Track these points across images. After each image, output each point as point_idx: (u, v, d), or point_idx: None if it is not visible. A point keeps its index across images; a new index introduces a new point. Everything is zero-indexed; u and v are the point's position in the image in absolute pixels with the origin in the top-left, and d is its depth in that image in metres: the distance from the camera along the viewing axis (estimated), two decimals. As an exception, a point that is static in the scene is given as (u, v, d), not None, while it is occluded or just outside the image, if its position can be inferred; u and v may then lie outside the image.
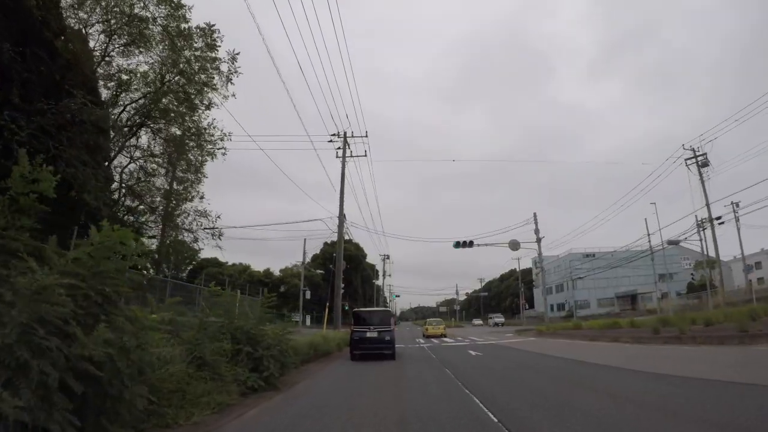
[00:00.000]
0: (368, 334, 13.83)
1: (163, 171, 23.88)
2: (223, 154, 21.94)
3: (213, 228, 22.13)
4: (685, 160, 35.28)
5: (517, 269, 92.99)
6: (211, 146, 20.31)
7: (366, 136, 26.59)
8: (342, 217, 23.45)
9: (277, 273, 60.70)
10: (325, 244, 68.36)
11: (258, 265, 65.30)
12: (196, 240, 23.24)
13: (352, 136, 26.61)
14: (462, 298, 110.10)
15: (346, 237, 51.99)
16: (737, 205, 38.88)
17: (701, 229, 36.65)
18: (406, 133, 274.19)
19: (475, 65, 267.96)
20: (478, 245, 25.86)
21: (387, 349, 13.69)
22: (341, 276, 23.87)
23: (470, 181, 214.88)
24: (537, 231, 27.40)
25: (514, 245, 26.49)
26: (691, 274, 42.10)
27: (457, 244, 25.31)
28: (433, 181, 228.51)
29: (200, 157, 21.45)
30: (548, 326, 25.96)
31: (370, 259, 72.06)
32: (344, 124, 25.59)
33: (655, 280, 45.75)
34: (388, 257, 66.66)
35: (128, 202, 24.54)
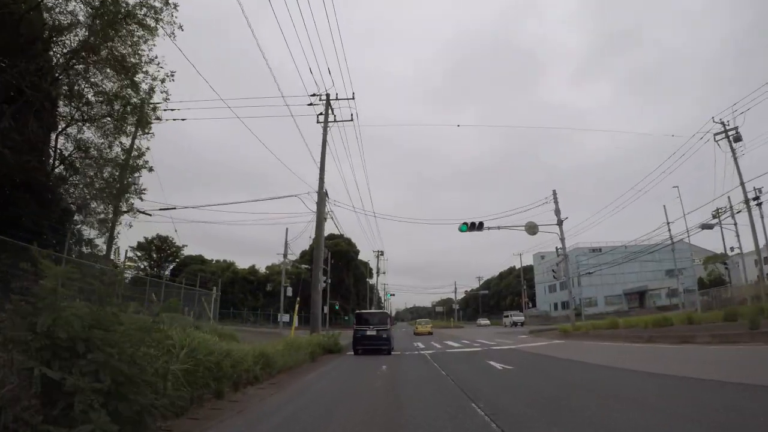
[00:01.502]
0: (368, 332, 15.09)
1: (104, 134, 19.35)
2: (166, 99, 17.39)
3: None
4: (714, 135, 30.63)
5: (518, 266, 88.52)
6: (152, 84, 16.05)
7: (353, 98, 21.85)
8: (322, 192, 18.62)
9: (263, 270, 55.66)
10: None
11: (244, 263, 60.24)
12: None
13: (336, 99, 21.86)
14: (460, 296, 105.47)
15: (337, 231, 47.16)
16: (760, 191, 34.56)
17: (734, 212, 32.21)
18: (401, 133, 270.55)
19: (467, 66, 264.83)
20: (489, 228, 21.17)
21: (384, 345, 14.90)
22: (321, 266, 19.10)
23: (468, 179, 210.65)
24: (558, 211, 22.70)
25: (531, 228, 21.83)
26: (724, 264, 37.10)
27: (465, 226, 20.59)
28: (429, 181, 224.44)
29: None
30: (575, 326, 21.26)
31: (363, 257, 67.20)
32: (326, 83, 21.08)
33: (677, 274, 41.16)
34: (382, 253, 61.97)
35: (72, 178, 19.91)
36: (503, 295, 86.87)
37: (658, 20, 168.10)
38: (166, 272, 66.45)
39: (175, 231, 21.20)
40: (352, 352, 16.44)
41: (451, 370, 9.74)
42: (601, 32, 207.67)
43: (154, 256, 67.31)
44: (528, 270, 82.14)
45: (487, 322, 62.34)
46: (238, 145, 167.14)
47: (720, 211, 36.17)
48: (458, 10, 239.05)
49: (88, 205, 20.51)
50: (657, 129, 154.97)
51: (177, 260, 65.88)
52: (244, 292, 52.41)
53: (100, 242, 20.96)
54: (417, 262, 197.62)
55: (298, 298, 16.37)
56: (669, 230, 40.42)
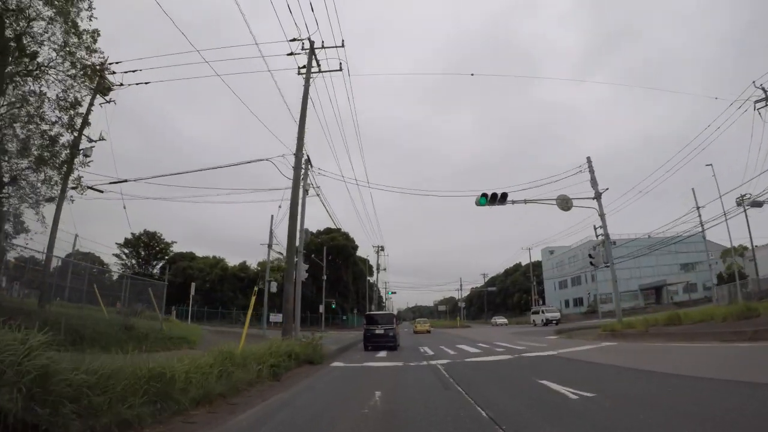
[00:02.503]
0: (377, 331, 17.08)
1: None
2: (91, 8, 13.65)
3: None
4: (755, 102, 26.10)
5: (524, 262, 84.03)
6: None
7: (342, 46, 17.58)
8: (301, 154, 14.31)
9: (254, 267, 51.32)
10: (311, 234, 58.88)
11: (236, 260, 55.78)
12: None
13: (323, 47, 17.61)
14: (466, 294, 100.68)
15: (333, 225, 42.82)
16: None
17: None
18: (402, 133, 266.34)
19: (462, 65, 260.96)
20: (513, 202, 16.74)
21: (390, 342, 16.84)
22: (301, 250, 14.87)
23: (468, 179, 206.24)
24: (594, 182, 18.34)
25: (564, 201, 17.50)
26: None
27: (485, 199, 16.20)
28: (429, 181, 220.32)
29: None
30: (623, 322, 16.87)
31: (364, 255, 62.72)
32: (311, 29, 16.49)
33: (709, 264, 36.67)
34: (382, 249, 57.51)
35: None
36: (510, 293, 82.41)
37: (657, 19, 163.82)
38: (155, 270, 62.37)
39: (124, 207, 17.07)
40: (339, 363, 12.26)
41: (493, 405, 5.39)
42: (599, 31, 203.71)
43: (142, 253, 63.20)
44: (536, 266, 77.68)
45: (505, 320, 55.14)
46: (238, 146, 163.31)
47: (744, 197, 31.78)
48: (457, 9, 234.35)
49: (24, 176, 16.49)
50: (657, 126, 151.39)
51: (166, 257, 61.83)
52: (234, 291, 48.14)
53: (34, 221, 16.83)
54: (417, 263, 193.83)
55: (256, 288, 12.11)
56: (699, 215, 35.46)
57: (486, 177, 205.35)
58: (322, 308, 42.45)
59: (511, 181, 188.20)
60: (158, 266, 62.88)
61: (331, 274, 53.24)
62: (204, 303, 47.51)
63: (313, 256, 50.66)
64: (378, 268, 57.12)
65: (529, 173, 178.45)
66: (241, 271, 49.58)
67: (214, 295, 47.65)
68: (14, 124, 15.34)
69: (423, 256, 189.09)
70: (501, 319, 55.45)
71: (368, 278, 67.21)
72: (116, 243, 64.28)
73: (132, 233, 64.68)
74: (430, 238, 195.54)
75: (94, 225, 78.25)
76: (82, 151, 17.80)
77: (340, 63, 17.40)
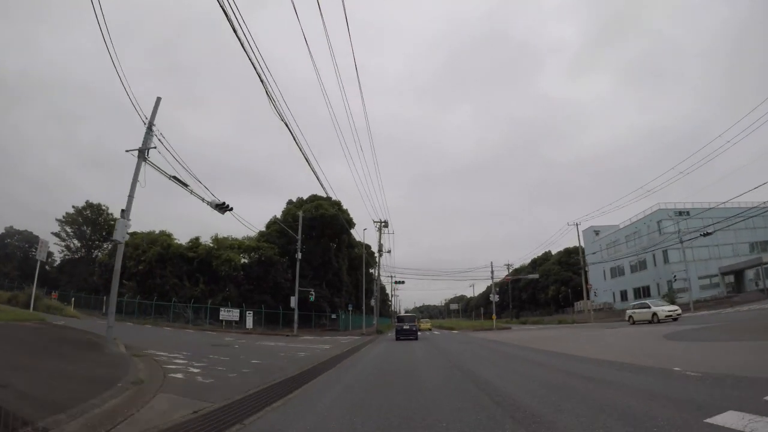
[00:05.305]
0: (404, 327, 23.08)
1: None
2: None
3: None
4: None
5: (554, 251, 68.43)
6: None
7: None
8: None
9: (208, 242, 36.68)
10: (289, 202, 44.29)
11: (184, 234, 41.23)
12: None
13: None
14: (479, 291, 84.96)
15: (322, 193, 28.42)
16: None
17: None
18: (394, 132, 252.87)
19: (460, 60, 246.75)
20: None
21: (413, 335, 22.78)
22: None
23: (464, 178, 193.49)
24: None
25: None
26: None
27: None
28: (430, 179, 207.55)
29: None
30: None
31: (365, 242, 47.44)
32: None
33: None
34: (386, 225, 42.50)
35: None
36: (541, 286, 66.64)
37: (656, 10, 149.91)
38: (102, 253, 48.33)
39: None
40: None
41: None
42: (597, 22, 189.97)
43: (87, 231, 49.12)
44: (573, 253, 62.16)
45: (674, 309, 23.41)
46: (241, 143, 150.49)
47: None
48: (451, 5, 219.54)
49: None
50: (657, 122, 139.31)
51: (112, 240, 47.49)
52: (179, 276, 33.71)
53: None
54: (423, 261, 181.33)
55: None
56: None
57: (488, 174, 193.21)
58: (294, 301, 27.61)
59: (513, 176, 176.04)
60: (108, 248, 48.90)
61: (314, 256, 38.48)
62: (138, 291, 32.99)
63: (279, 220, 36.13)
64: (381, 251, 42.04)
65: (532, 169, 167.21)
66: (191, 249, 34.90)
67: (151, 282, 33.06)
68: None
69: (429, 254, 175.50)
70: (665, 308, 23.28)
71: (372, 271, 52.24)
72: (56, 219, 50.52)
73: (73, 206, 50.65)
74: (433, 238, 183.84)
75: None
76: None
77: None
